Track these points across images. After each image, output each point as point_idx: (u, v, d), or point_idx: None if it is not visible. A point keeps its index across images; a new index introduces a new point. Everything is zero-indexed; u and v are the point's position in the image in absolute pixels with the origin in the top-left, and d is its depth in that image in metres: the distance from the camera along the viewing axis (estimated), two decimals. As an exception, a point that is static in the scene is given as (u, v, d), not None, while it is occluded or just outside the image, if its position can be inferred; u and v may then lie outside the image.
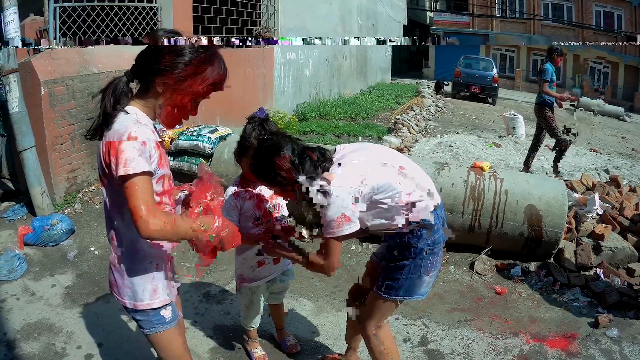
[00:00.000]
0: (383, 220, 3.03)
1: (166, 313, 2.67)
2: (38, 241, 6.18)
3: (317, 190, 2.85)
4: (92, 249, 6.17)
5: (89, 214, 7.22)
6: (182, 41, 2.39)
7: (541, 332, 4.60)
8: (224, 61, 2.53)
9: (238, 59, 12.07)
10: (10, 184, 8.51)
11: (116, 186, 2.33)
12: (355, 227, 2.86)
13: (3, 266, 5.49)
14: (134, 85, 2.49)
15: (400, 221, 2.98)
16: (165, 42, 2.35)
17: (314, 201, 2.87)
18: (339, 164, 2.98)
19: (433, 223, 3.02)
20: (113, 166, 2.27)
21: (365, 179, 2.88)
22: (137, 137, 2.29)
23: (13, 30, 6.55)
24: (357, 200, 2.87)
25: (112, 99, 2.39)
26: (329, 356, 4.13)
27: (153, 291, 2.60)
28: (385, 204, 2.94)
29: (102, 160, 2.35)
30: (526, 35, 41.11)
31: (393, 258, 3.14)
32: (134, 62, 2.46)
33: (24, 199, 7.51)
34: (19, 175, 7.81)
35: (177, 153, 7.71)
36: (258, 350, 4.14)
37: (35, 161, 6.89)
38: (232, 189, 3.50)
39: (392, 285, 3.15)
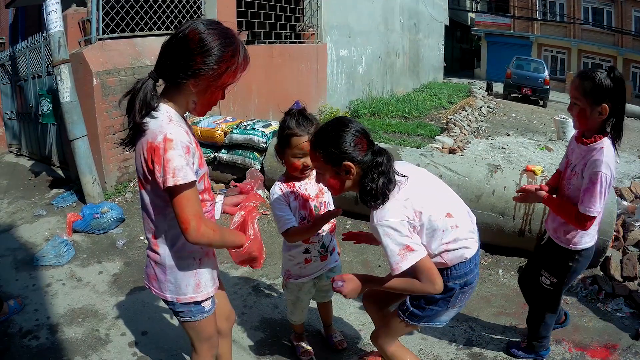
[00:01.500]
0: None
1: (207, 304, 2.77)
2: (87, 228, 6.26)
3: (373, 225, 2.79)
4: (141, 237, 6.24)
5: (140, 203, 7.24)
6: (220, 31, 2.40)
7: (583, 340, 4.52)
8: (244, 44, 2.51)
9: (292, 54, 12.16)
10: (60, 172, 8.67)
11: (158, 190, 2.39)
12: (421, 254, 2.74)
13: (50, 251, 5.58)
14: (160, 84, 2.49)
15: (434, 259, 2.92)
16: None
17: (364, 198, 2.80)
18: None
19: (465, 270, 3.00)
20: (158, 174, 2.31)
21: (422, 213, 2.79)
22: (174, 140, 2.30)
23: (55, 20, 6.64)
24: (412, 229, 2.78)
25: (139, 107, 2.39)
26: (371, 357, 4.10)
27: (196, 285, 2.68)
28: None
29: (143, 164, 2.38)
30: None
31: None
32: (159, 61, 2.45)
33: (73, 186, 7.64)
34: (69, 163, 7.95)
35: (230, 146, 7.78)
36: (304, 345, 4.14)
37: (86, 150, 6.99)
38: (278, 187, 3.47)
39: (417, 313, 3.12)
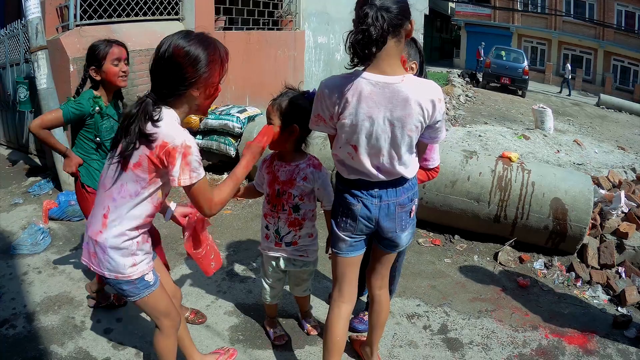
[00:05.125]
0: None
1: (149, 277, 2.94)
2: (63, 216, 6.24)
3: None
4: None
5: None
6: (197, 39, 2.66)
7: (560, 327, 4.55)
8: (216, 39, 2.78)
9: (269, 41, 12.11)
10: (36, 160, 8.61)
11: (144, 176, 2.66)
12: None
13: (26, 240, 5.54)
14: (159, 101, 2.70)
15: None
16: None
17: None
18: None
19: None
20: (173, 173, 2.58)
21: None
22: (192, 146, 2.60)
23: (33, 6, 6.60)
24: None
25: (145, 120, 2.59)
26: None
27: (132, 265, 2.84)
28: None
29: (150, 156, 2.60)
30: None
31: None
32: (154, 83, 2.70)
33: (50, 174, 7.60)
34: (45, 151, 7.89)
35: (206, 132, 7.78)
36: (277, 330, 4.17)
37: (62, 137, 6.93)
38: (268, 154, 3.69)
39: None
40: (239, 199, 3.65)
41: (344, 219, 3.18)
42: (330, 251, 3.49)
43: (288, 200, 3.59)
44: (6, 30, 8.85)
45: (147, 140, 2.58)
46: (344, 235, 3.23)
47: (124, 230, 2.76)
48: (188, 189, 2.66)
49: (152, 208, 2.82)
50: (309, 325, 4.26)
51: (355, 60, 2.84)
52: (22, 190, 7.37)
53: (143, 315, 4.39)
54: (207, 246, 3.24)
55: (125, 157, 2.63)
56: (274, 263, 3.86)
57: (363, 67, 2.89)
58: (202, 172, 2.67)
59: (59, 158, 6.99)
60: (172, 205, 3.35)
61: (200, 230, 3.26)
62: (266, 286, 4.00)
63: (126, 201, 2.72)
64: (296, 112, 3.37)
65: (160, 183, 2.74)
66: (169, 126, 2.60)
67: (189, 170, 2.59)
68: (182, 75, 2.61)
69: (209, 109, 3.07)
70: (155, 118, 2.59)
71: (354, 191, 3.09)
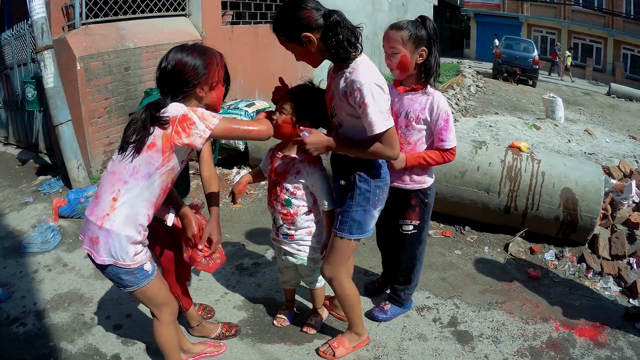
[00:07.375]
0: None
1: (147, 267, 3.04)
2: (73, 213, 6.26)
3: (349, 79, 3.04)
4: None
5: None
6: (193, 49, 2.96)
7: (571, 319, 4.51)
8: (210, 47, 3.11)
9: (279, 33, 12.11)
10: (47, 158, 8.65)
11: (157, 155, 2.79)
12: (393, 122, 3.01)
13: (37, 238, 5.57)
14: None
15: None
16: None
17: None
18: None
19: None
20: (199, 128, 2.76)
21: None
22: (198, 108, 2.84)
23: (38, 7, 6.64)
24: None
25: (154, 109, 2.80)
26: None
27: (134, 254, 2.93)
28: None
29: (167, 134, 2.76)
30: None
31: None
32: (163, 87, 2.94)
33: (60, 172, 7.63)
34: (55, 149, 7.93)
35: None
36: (282, 314, 4.31)
37: (71, 135, 6.98)
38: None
39: (345, 220, 3.37)
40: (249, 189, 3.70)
41: (382, 197, 3.42)
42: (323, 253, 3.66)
43: (281, 192, 3.59)
44: (12, 31, 8.88)
45: (160, 122, 2.75)
46: (379, 212, 3.49)
47: (132, 214, 2.86)
48: (224, 128, 2.86)
49: (160, 191, 2.94)
50: (307, 322, 4.24)
51: None
52: (32, 189, 7.41)
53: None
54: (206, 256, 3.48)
55: (140, 142, 2.76)
56: (280, 253, 3.91)
57: None
58: (219, 116, 2.86)
59: (68, 156, 7.01)
60: (173, 210, 3.41)
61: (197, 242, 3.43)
62: (279, 270, 4.13)
63: (138, 182, 2.82)
64: (311, 109, 3.44)
65: (173, 164, 2.87)
66: (175, 106, 2.81)
67: (209, 117, 2.80)
68: (186, 79, 2.86)
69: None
70: (162, 104, 2.81)
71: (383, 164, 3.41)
